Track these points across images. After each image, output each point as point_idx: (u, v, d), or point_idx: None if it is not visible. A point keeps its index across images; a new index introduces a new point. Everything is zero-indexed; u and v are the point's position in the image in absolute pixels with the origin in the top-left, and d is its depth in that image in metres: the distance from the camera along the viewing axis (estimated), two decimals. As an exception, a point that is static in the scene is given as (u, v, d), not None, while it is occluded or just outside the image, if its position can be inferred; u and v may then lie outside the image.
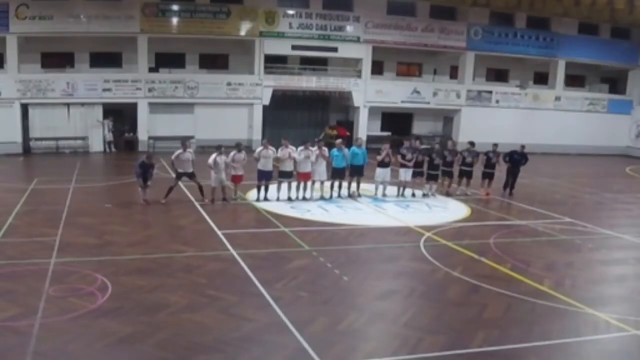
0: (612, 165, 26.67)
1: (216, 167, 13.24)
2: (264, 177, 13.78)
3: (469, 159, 15.43)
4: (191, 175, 13.48)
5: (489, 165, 15.64)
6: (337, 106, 28.77)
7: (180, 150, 13.38)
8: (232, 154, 13.52)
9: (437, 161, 15.12)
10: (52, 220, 11.40)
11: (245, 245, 10.03)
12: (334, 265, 9.00)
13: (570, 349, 6.44)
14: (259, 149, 13.87)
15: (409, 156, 14.78)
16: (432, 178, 15.24)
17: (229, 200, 13.71)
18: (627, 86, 32.20)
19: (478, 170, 15.75)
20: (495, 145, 15.85)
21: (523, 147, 16.35)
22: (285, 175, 13.92)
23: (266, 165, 13.65)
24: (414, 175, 15.03)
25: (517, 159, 16.06)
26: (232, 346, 6.08)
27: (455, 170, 15.61)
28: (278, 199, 13.96)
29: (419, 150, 15.36)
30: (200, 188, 13.50)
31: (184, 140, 14.01)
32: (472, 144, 15.67)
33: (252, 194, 14.33)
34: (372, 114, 28.20)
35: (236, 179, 13.80)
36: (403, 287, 8.15)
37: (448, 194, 15.53)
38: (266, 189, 13.93)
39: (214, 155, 13.27)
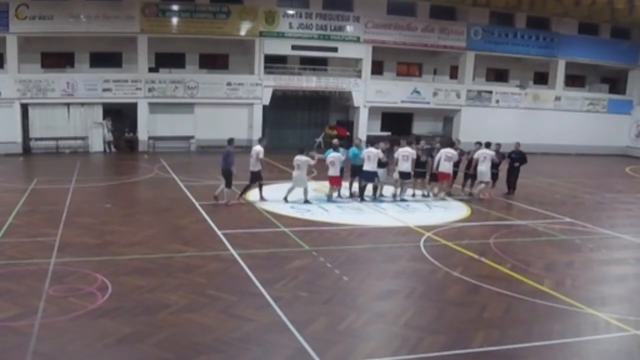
0: (612, 165, 26.68)
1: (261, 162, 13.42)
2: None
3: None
4: None
5: (492, 165, 15.60)
6: (337, 106, 28.78)
7: None
8: (311, 156, 13.93)
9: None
10: (52, 220, 11.40)
11: (245, 245, 10.03)
12: (334, 265, 9.00)
13: (570, 349, 6.43)
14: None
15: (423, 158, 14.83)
16: (434, 179, 15.20)
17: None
18: (627, 86, 32.23)
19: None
20: (480, 144, 15.66)
21: (518, 144, 16.38)
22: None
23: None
24: (417, 175, 15.03)
25: (514, 158, 16.06)
26: (232, 346, 6.08)
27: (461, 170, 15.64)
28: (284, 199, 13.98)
29: (422, 150, 15.37)
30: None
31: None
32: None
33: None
34: (372, 114, 28.21)
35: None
36: (403, 287, 8.14)
37: (449, 194, 15.54)
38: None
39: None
